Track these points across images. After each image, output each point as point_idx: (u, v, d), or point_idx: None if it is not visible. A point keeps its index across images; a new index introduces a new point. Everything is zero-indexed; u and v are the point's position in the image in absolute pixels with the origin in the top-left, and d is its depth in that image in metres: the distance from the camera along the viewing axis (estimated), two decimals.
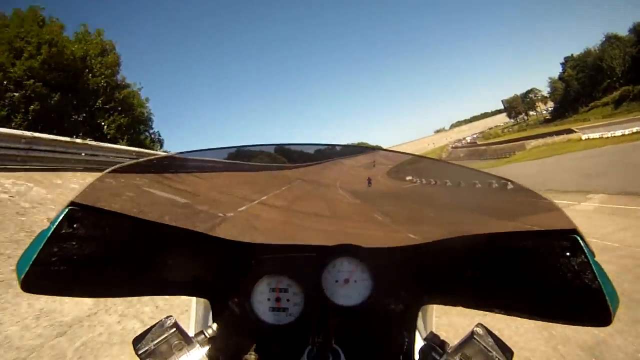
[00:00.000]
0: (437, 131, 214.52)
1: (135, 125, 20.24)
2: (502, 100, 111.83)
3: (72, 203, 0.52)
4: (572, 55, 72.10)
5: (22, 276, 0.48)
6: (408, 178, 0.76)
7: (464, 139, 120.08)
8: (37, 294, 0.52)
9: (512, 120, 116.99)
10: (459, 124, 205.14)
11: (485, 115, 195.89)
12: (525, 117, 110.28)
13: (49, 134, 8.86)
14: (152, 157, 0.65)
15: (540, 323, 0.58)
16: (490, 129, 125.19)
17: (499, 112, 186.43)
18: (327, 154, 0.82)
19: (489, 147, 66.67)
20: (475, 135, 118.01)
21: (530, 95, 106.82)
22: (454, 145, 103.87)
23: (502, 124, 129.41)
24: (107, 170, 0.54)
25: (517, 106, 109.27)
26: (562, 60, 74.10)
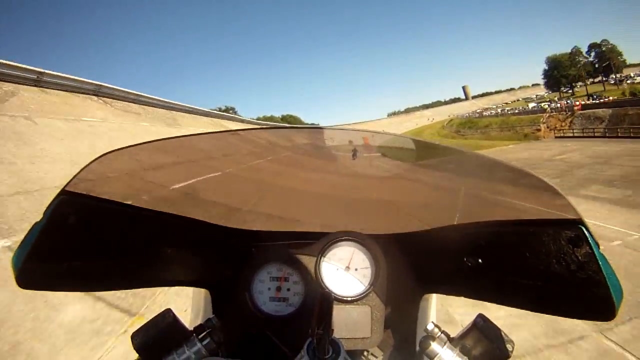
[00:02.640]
0: (391, 114, 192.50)
1: None
2: (546, 57, 74.11)
3: (64, 192, 0.49)
4: None
5: (18, 271, 0.46)
6: (409, 162, 0.73)
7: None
8: (34, 289, 0.50)
9: (548, 93, 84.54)
10: (415, 109, 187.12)
11: (439, 103, 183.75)
12: (569, 90, 73.53)
13: None
14: (151, 140, 0.60)
15: None
16: (512, 102, 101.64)
17: (458, 99, 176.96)
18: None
19: None
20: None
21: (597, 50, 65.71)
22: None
23: (506, 101, 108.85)
24: (101, 154, 0.51)
25: (577, 64, 66.16)
26: None
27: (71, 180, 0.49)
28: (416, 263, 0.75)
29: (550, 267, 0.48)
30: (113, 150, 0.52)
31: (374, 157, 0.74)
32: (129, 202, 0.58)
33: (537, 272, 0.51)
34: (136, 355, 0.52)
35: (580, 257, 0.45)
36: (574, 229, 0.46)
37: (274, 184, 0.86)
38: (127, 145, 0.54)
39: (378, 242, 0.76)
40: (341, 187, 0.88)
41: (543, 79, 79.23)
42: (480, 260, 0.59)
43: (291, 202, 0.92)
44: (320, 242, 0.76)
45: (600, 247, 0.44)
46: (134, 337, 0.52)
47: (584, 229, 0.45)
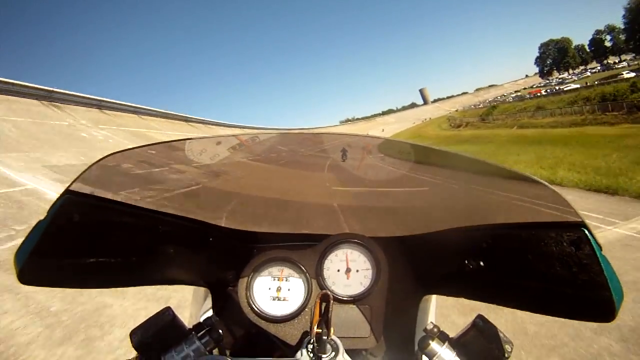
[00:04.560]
0: (344, 121, 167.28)
1: None
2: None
3: (68, 191, 0.50)
4: None
5: (20, 268, 0.47)
6: (409, 166, 0.72)
7: None
8: (35, 285, 0.51)
9: (548, 80, 72.36)
10: (375, 116, 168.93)
11: (391, 111, 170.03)
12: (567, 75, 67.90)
13: None
14: (154, 142, 0.61)
15: None
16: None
17: (415, 105, 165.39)
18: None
19: None
20: None
21: None
22: None
23: (480, 100, 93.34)
24: (105, 155, 0.52)
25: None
26: None
27: (75, 180, 0.50)
28: (417, 264, 0.76)
29: (552, 270, 0.49)
30: (117, 152, 0.53)
31: (376, 160, 0.75)
32: (131, 203, 0.59)
33: (538, 275, 0.51)
34: (135, 353, 0.52)
35: (582, 260, 0.45)
36: (576, 232, 0.46)
37: (276, 186, 0.87)
38: (130, 147, 0.55)
39: (380, 244, 0.77)
40: (343, 189, 0.89)
41: (538, 65, 72.59)
42: (481, 263, 0.59)
43: (293, 204, 0.93)
44: (322, 243, 0.77)
45: (602, 249, 0.45)
46: (132, 334, 0.52)
47: (587, 231, 0.45)
